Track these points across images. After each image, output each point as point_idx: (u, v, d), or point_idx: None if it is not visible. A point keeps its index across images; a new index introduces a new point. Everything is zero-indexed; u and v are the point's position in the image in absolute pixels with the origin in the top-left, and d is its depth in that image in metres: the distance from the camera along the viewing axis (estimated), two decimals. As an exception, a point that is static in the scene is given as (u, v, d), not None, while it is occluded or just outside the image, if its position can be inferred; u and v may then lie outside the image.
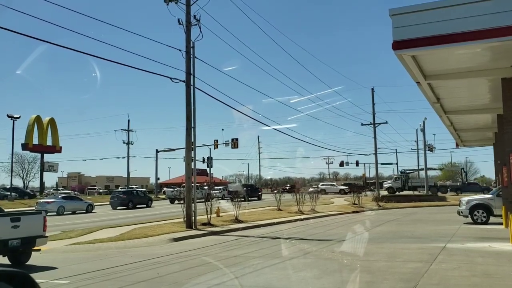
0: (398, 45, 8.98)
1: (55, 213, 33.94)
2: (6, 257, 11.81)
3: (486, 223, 19.80)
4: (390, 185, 62.89)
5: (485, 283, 8.23)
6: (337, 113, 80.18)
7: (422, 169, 70.20)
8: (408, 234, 16.82)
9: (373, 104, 45.81)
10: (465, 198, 21.78)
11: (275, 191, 35.63)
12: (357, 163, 69.96)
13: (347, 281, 8.77)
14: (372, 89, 46.12)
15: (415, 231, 17.85)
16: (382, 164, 68.23)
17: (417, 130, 66.66)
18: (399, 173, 72.62)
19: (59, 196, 39.43)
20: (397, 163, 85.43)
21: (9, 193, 50.10)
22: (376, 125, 45.90)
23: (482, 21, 8.37)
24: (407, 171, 71.61)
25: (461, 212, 20.67)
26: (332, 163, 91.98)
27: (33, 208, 33.85)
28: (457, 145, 36.03)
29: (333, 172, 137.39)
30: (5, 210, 26.15)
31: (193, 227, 19.68)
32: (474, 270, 9.37)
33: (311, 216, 26.55)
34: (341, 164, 75.11)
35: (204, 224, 20.36)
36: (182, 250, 13.96)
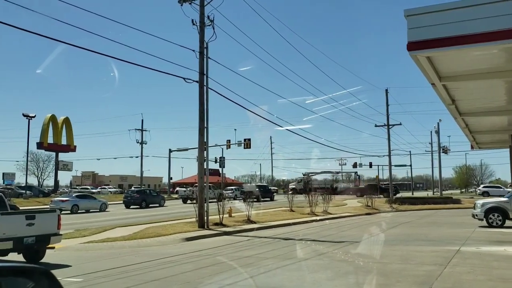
0: (413, 46, 8.89)
1: (69, 212, 34.30)
2: (21, 254, 11.96)
3: (501, 226, 19.54)
4: (294, 186, 66.63)
5: (500, 287, 8.12)
6: (352, 114, 79.98)
7: (323, 172, 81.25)
8: (422, 237, 16.67)
9: (387, 105, 45.53)
10: (480, 201, 21.54)
11: (290, 192, 35.62)
12: (370, 165, 69.65)
13: (360, 283, 8.72)
14: (386, 90, 45.86)
15: (429, 234, 17.69)
16: (395, 166, 67.95)
17: (431, 132, 66.06)
18: (302, 175, 76.09)
19: (73, 195, 39.82)
20: (411, 165, 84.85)
21: (24, 191, 50.71)
22: (390, 126, 45.59)
23: (498, 22, 8.26)
24: (310, 174, 74.95)
25: (476, 215, 20.44)
26: (345, 164, 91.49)
27: (48, 206, 34.25)
28: (472, 147, 35.58)
29: (346, 173, 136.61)
30: (20, 208, 26.64)
31: (205, 227, 19.74)
32: (489, 274, 9.25)
33: (323, 218, 26.45)
34: (354, 165, 74.88)
35: (216, 224, 20.40)
36: (195, 250, 14.01)
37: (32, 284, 2.41)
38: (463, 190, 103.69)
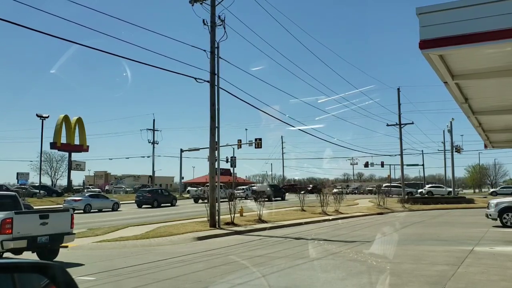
0: (425, 44, 8.83)
1: (82, 211, 34.63)
2: (35, 253, 12.11)
3: (516, 226, 19.31)
4: (107, 188, 72.97)
5: (515, 287, 8.03)
6: (364, 114, 79.63)
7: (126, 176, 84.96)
8: (434, 237, 16.54)
9: (399, 104, 45.25)
10: (494, 200, 21.30)
11: (303, 192, 35.56)
12: (382, 164, 69.09)
13: (371, 283, 8.67)
14: (398, 89, 45.58)
15: (442, 234, 17.54)
16: (408, 165, 67.37)
17: (444, 131, 65.44)
18: (114, 178, 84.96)
19: (86, 194, 40.15)
20: (423, 165, 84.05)
21: (38, 191, 51.27)
22: (402, 125, 45.29)
23: (512, 19, 8.16)
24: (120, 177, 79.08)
25: (490, 215, 20.22)
26: (356, 163, 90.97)
27: (61, 205, 34.59)
28: (485, 147, 35.20)
29: (358, 173, 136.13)
30: (34, 207, 26.92)
31: (217, 226, 19.79)
32: (503, 275, 9.15)
33: (335, 217, 26.36)
34: (366, 165, 74.49)
35: (227, 224, 20.45)
36: (206, 249, 14.05)
37: (46, 280, 2.43)
38: (476, 190, 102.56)
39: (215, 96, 20.85)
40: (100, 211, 36.52)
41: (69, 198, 38.44)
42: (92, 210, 35.89)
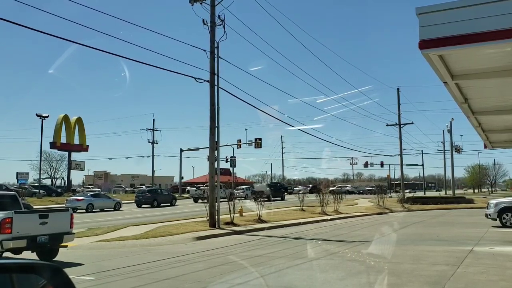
0: (425, 44, 8.83)
1: (84, 210, 34.71)
2: (35, 253, 12.10)
3: (515, 226, 19.31)
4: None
5: (514, 288, 8.03)
6: (363, 113, 79.60)
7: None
8: (434, 237, 16.55)
9: (399, 104, 45.24)
10: (493, 200, 21.31)
11: (301, 192, 35.55)
12: (381, 164, 69.03)
13: (370, 283, 8.68)
14: (398, 89, 45.59)
15: (441, 234, 17.54)
16: (407, 165, 67.40)
17: (443, 131, 65.54)
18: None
19: (88, 194, 40.22)
20: (422, 165, 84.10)
21: (37, 190, 51.27)
22: (401, 125, 45.28)
23: (512, 19, 8.16)
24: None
25: (489, 215, 20.22)
26: (356, 163, 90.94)
27: (63, 205, 34.63)
28: (485, 147, 35.21)
29: (357, 173, 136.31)
30: (34, 207, 26.92)
31: (216, 226, 19.79)
32: (503, 275, 9.15)
33: (334, 217, 26.35)
34: (365, 165, 74.57)
35: (227, 223, 20.44)
36: (206, 249, 14.05)
37: (43, 281, 2.43)
38: (476, 190, 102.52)
39: (215, 96, 20.84)
40: (102, 210, 36.54)
41: (71, 198, 38.68)
42: (94, 210, 35.96)
